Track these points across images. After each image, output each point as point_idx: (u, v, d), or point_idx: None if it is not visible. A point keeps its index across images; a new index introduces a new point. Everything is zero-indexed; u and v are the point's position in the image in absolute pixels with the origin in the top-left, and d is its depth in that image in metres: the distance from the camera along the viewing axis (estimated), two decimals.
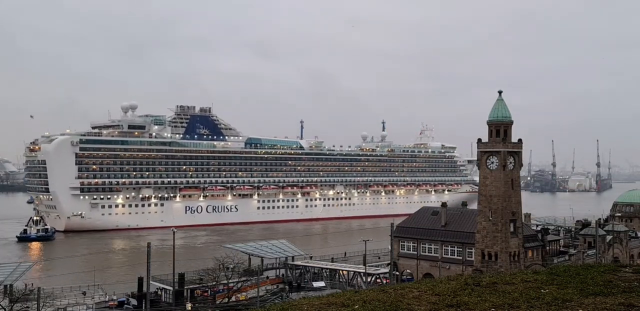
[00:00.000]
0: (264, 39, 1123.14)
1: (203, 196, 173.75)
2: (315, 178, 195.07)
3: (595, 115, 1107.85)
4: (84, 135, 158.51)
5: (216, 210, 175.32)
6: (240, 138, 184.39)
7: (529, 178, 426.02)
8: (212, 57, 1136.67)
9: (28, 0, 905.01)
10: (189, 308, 61.41)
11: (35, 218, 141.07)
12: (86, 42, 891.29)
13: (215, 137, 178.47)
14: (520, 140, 65.84)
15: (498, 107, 65.50)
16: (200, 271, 71.31)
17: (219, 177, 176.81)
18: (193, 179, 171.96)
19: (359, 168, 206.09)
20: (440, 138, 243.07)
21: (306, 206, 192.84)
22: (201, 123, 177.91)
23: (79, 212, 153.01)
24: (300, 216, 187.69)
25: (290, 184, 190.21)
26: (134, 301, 66.18)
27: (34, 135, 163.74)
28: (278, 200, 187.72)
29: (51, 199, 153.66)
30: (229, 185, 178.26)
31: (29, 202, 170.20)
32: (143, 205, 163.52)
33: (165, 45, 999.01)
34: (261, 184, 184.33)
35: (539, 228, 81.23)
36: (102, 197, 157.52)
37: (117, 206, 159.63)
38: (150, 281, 57.15)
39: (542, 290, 12.25)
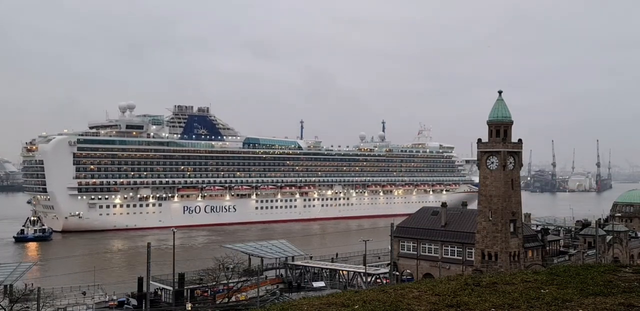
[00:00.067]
0: (263, 39, 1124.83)
1: (201, 196, 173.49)
2: (314, 178, 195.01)
3: (595, 115, 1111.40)
4: (82, 135, 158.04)
5: (214, 210, 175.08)
6: (238, 138, 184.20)
7: (529, 178, 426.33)
8: (212, 57, 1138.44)
9: (28, 0, 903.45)
10: (189, 308, 61.31)
11: (32, 218, 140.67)
12: (86, 42, 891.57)
13: (213, 136, 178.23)
14: (520, 140, 65.87)
15: (498, 107, 65.52)
16: (200, 272, 71.24)
17: (217, 177, 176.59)
18: (191, 179, 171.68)
19: (357, 168, 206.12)
20: (440, 138, 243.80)
21: (304, 206, 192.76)
22: (199, 123, 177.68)
23: (77, 212, 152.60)
24: (299, 216, 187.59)
25: (289, 184, 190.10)
26: (134, 301, 66.05)
27: (33, 136, 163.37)
28: (276, 200, 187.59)
29: (49, 199, 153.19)
30: (227, 185, 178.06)
31: (28, 202, 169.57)
32: (141, 205, 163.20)
33: (165, 45, 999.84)
34: (259, 184, 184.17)
35: (539, 228, 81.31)
36: (99, 197, 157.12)
37: (114, 206, 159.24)
38: (150, 282, 57.04)
39: (542, 290, 12.25)
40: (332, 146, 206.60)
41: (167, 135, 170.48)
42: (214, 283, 67.75)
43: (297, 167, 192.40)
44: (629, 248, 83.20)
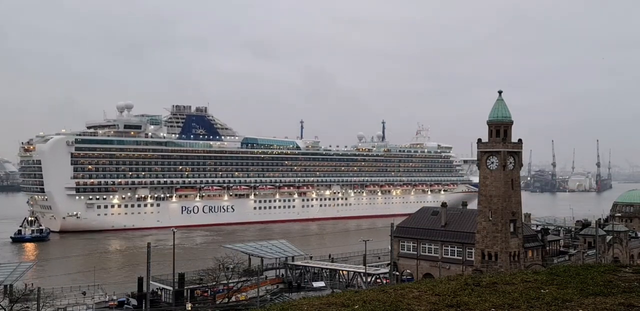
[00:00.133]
0: (263, 39, 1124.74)
1: (199, 196, 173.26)
2: (312, 178, 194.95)
3: (595, 115, 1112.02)
4: (80, 135, 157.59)
5: (212, 210, 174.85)
6: (237, 138, 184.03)
7: (529, 178, 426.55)
8: (211, 57, 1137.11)
9: (27, 0, 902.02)
10: (189, 308, 61.23)
11: (29, 218, 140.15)
12: (85, 42, 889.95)
13: (211, 136, 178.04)
14: (520, 140, 65.90)
15: (498, 107, 65.56)
16: (200, 272, 71.17)
17: (215, 177, 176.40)
18: (189, 179, 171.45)
19: (355, 168, 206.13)
20: (440, 138, 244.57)
21: (303, 206, 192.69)
22: (197, 123, 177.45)
23: (75, 212, 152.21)
24: (297, 216, 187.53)
25: (287, 184, 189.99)
26: (134, 301, 65.95)
27: (32, 136, 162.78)
28: (274, 200, 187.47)
29: (46, 199, 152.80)
30: (225, 185, 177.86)
31: (28, 202, 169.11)
32: (139, 206, 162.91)
33: (164, 45, 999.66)
34: (258, 184, 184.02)
35: (539, 228, 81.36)
36: (97, 197, 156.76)
37: (112, 206, 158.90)
38: (150, 281, 56.97)
39: (542, 290, 12.26)
40: (330, 146, 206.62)
41: (165, 135, 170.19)
42: (214, 283, 67.71)
43: (295, 167, 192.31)
44: (629, 248, 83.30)
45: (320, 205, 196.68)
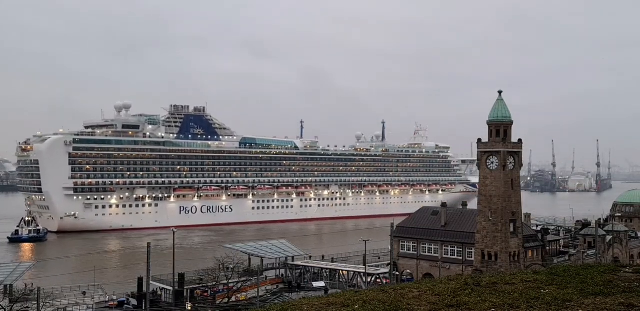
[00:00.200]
0: (263, 38, 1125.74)
1: (197, 196, 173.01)
2: (310, 179, 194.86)
3: (595, 115, 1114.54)
4: (78, 135, 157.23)
5: (211, 210, 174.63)
6: (235, 138, 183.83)
7: (529, 178, 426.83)
8: (210, 57, 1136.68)
9: (26, 0, 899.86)
10: (189, 308, 61.14)
11: (27, 218, 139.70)
12: (83, 41, 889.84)
13: (209, 136, 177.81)
14: (520, 140, 65.94)
15: (498, 107, 65.61)
16: (200, 272, 71.07)
17: (214, 177, 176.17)
18: (187, 179, 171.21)
19: (353, 168, 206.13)
20: (440, 138, 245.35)
21: (301, 206, 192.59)
22: (195, 123, 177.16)
23: (73, 213, 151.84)
24: (295, 216, 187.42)
25: (285, 184, 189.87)
26: (134, 301, 65.85)
27: (30, 136, 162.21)
28: (273, 200, 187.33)
29: (44, 199, 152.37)
30: (223, 185, 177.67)
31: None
32: (137, 206, 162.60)
33: (163, 45, 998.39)
34: (256, 184, 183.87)
35: (539, 228, 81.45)
36: (95, 197, 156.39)
37: (111, 206, 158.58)
38: (150, 281, 56.88)
39: (542, 290, 12.26)
40: (328, 146, 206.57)
41: (163, 135, 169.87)
42: (214, 283, 67.62)
43: (293, 167, 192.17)
44: (629, 248, 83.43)
45: (319, 205, 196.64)
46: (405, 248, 75.48)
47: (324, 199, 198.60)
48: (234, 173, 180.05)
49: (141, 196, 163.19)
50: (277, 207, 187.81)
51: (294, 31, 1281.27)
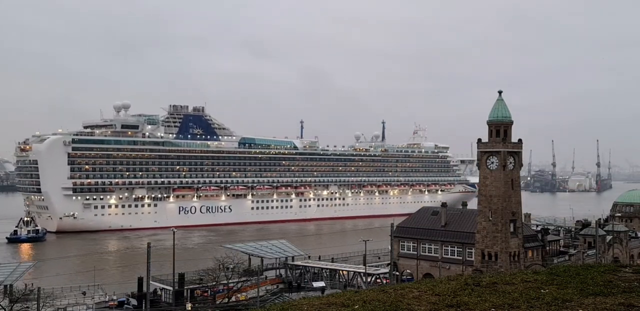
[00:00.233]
0: (263, 38, 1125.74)
1: (197, 196, 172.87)
2: (309, 179, 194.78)
3: (595, 115, 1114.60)
4: (76, 135, 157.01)
5: (210, 210, 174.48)
6: (234, 138, 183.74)
7: (529, 178, 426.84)
8: (210, 57, 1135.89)
9: (26, 0, 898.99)
10: (189, 308, 61.11)
11: (25, 219, 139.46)
12: (82, 41, 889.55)
13: (208, 136, 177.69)
14: (520, 140, 65.99)
15: (498, 107, 65.65)
16: (200, 272, 71.03)
17: (213, 177, 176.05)
18: (186, 179, 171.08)
19: (352, 168, 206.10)
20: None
21: (300, 206, 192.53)
22: (194, 123, 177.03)
23: (72, 213, 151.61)
24: (294, 216, 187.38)
25: (284, 184, 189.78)
26: (134, 301, 65.79)
27: (30, 136, 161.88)
28: (272, 201, 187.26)
29: (43, 199, 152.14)
30: (222, 185, 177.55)
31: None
32: (136, 206, 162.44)
33: (162, 45, 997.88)
34: (255, 184, 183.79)
35: (539, 228, 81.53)
36: (94, 197, 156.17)
37: (110, 206, 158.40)
38: (150, 281, 56.85)
39: (542, 290, 12.27)
40: (327, 146, 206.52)
41: (162, 135, 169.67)
42: (214, 283, 67.58)
43: (292, 167, 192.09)
44: (629, 248, 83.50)
45: (318, 205, 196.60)
46: (405, 248, 75.49)
47: (323, 199, 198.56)
48: (233, 173, 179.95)
49: (140, 196, 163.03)
50: (276, 207, 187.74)
51: (294, 31, 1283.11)
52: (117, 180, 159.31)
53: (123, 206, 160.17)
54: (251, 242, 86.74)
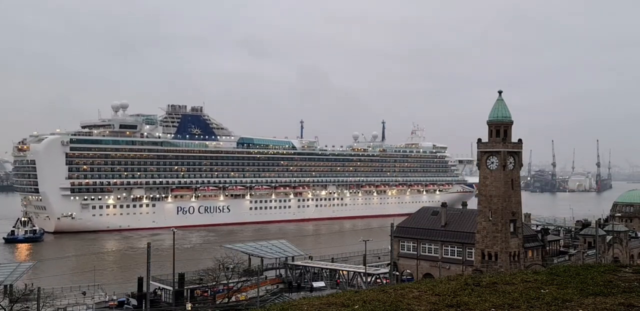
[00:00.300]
0: (262, 38, 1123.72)
1: (195, 196, 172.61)
2: (308, 179, 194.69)
3: (595, 115, 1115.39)
4: (75, 135, 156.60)
5: (208, 210, 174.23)
6: (232, 138, 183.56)
7: (529, 178, 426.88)
8: (209, 57, 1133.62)
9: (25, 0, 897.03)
10: (189, 308, 61.04)
11: (23, 219, 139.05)
12: (82, 41, 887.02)
13: (207, 136, 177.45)
14: (520, 140, 66.08)
15: (498, 107, 65.72)
16: (200, 272, 70.95)
17: (211, 177, 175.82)
18: (185, 179, 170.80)
19: (351, 168, 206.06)
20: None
21: (298, 206, 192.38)
22: (193, 123, 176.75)
23: (70, 213, 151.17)
24: (293, 216, 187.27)
25: (283, 184, 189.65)
26: (134, 301, 65.68)
27: (27, 135, 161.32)
28: (270, 201, 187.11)
29: (40, 200, 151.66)
30: (221, 185, 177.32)
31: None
32: (134, 206, 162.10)
33: (161, 45, 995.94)
34: (253, 184, 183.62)
35: (539, 228, 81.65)
36: (92, 197, 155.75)
37: (108, 207, 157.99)
38: (150, 282, 56.76)
39: (542, 290, 12.27)
40: (326, 146, 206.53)
41: (160, 134, 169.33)
42: (214, 283, 67.51)
43: (291, 167, 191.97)
44: (629, 248, 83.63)
45: (316, 206, 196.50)
46: (405, 248, 75.50)
47: (321, 199, 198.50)
48: (232, 173, 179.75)
49: (138, 196, 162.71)
50: (275, 207, 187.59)
51: (293, 31, 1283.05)
52: (115, 180, 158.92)
53: (121, 206, 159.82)
54: (251, 242, 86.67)
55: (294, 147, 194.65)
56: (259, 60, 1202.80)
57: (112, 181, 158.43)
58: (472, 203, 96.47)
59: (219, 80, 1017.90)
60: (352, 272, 74.40)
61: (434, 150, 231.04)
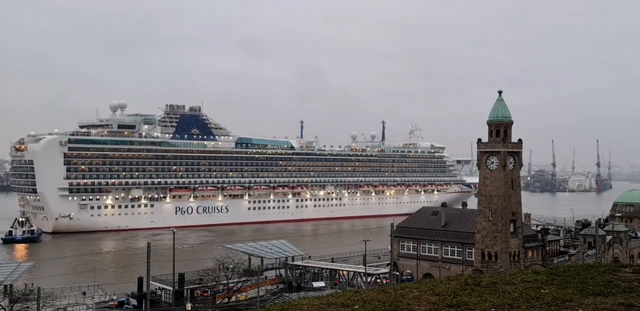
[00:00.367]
0: (261, 38, 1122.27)
1: (193, 196, 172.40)
2: (306, 179, 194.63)
3: (595, 115, 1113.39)
4: (73, 135, 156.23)
5: (207, 210, 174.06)
6: (231, 138, 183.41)
7: (529, 178, 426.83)
8: (208, 57, 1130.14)
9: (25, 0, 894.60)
10: (189, 308, 60.97)
11: (20, 219, 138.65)
12: (81, 41, 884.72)
13: (205, 136, 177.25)
14: (520, 140, 66.17)
15: (498, 107, 65.81)
16: (200, 272, 70.88)
17: (210, 177, 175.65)
18: (183, 179, 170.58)
19: (349, 168, 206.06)
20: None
21: (297, 206, 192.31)
22: (191, 123, 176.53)
23: (68, 213, 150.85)
24: (291, 216, 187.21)
25: (281, 184, 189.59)
26: (134, 301, 65.59)
27: (24, 135, 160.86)
28: (269, 201, 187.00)
29: (38, 200, 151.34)
30: (219, 185, 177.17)
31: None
32: (133, 206, 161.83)
33: (160, 45, 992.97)
34: (252, 184, 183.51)
35: (539, 228, 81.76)
36: (91, 197, 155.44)
37: (106, 207, 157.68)
38: (150, 281, 56.68)
39: (542, 290, 12.27)
40: (324, 146, 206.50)
41: (158, 134, 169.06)
42: (214, 283, 67.45)
43: (289, 167, 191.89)
44: (629, 248, 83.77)
45: (315, 206, 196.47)
46: (405, 248, 75.53)
47: (319, 199, 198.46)
48: (230, 173, 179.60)
49: (137, 196, 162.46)
50: (273, 207, 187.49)
51: (292, 31, 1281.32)
52: (113, 180, 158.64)
53: (119, 206, 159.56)
54: (251, 242, 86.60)
55: (292, 147, 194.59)
56: (259, 60, 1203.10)
57: (110, 181, 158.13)
58: (472, 203, 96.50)
59: (218, 80, 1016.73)
60: (352, 272, 74.37)
61: (432, 150, 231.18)
